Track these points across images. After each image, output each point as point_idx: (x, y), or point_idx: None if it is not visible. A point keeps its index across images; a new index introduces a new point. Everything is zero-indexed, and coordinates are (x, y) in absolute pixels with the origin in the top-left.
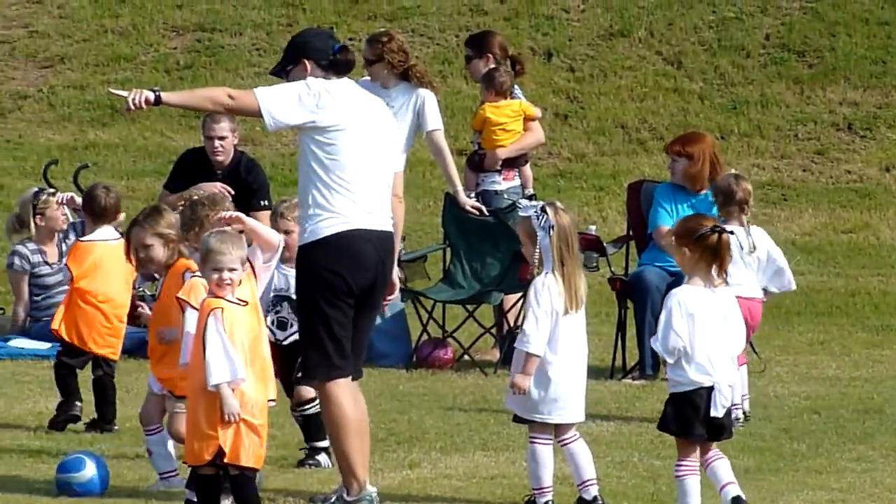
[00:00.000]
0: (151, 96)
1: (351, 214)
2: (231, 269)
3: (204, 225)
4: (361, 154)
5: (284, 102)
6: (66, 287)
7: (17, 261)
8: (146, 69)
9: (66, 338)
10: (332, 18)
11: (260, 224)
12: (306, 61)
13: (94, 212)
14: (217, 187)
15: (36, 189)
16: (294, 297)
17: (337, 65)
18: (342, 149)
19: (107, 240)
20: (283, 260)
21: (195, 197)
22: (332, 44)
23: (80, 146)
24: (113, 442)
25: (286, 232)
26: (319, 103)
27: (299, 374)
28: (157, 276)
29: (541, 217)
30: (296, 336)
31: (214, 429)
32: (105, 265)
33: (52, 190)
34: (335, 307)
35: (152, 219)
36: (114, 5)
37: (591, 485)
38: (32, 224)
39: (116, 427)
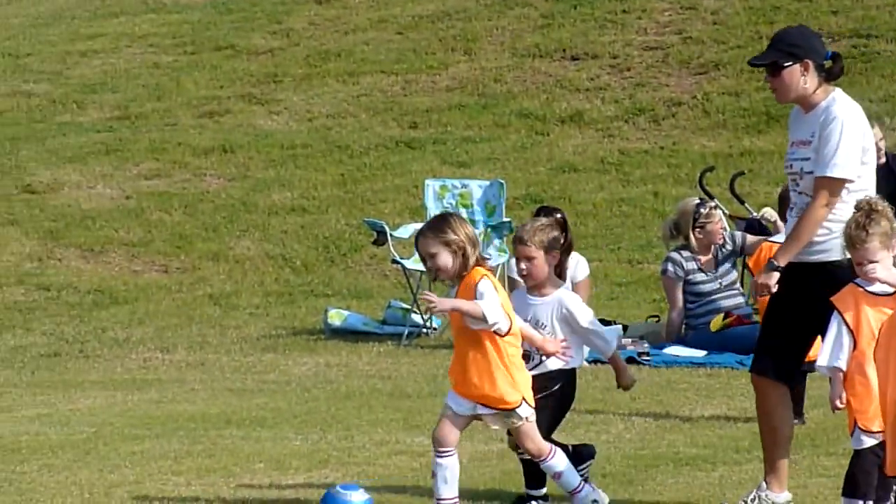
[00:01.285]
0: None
1: None
2: None
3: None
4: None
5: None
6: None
7: (670, 267)
8: None
9: None
10: None
11: None
12: (809, 62)
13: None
14: None
15: (697, 200)
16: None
17: (830, 72)
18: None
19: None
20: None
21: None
22: (825, 49)
23: (735, 153)
24: None
25: (528, 258)
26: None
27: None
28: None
29: None
30: (535, 371)
31: None
32: None
33: (712, 203)
34: None
35: (437, 227)
36: (768, 12)
37: None
38: (691, 236)
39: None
